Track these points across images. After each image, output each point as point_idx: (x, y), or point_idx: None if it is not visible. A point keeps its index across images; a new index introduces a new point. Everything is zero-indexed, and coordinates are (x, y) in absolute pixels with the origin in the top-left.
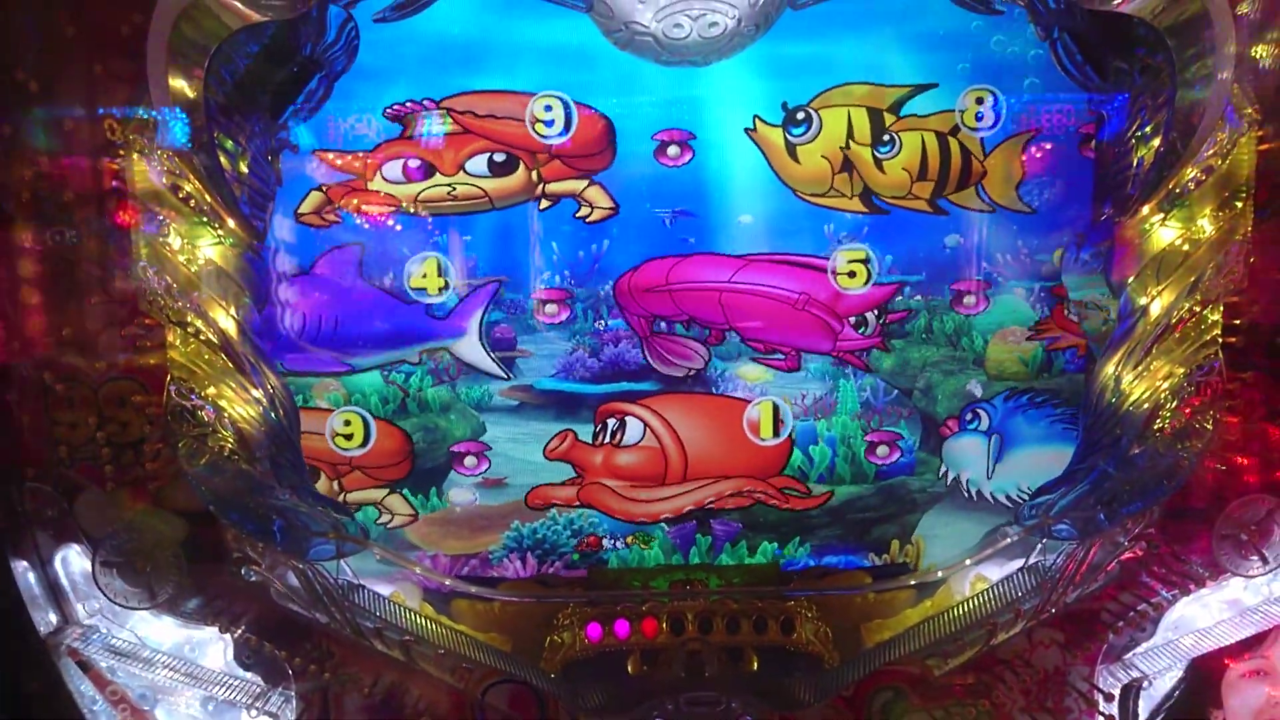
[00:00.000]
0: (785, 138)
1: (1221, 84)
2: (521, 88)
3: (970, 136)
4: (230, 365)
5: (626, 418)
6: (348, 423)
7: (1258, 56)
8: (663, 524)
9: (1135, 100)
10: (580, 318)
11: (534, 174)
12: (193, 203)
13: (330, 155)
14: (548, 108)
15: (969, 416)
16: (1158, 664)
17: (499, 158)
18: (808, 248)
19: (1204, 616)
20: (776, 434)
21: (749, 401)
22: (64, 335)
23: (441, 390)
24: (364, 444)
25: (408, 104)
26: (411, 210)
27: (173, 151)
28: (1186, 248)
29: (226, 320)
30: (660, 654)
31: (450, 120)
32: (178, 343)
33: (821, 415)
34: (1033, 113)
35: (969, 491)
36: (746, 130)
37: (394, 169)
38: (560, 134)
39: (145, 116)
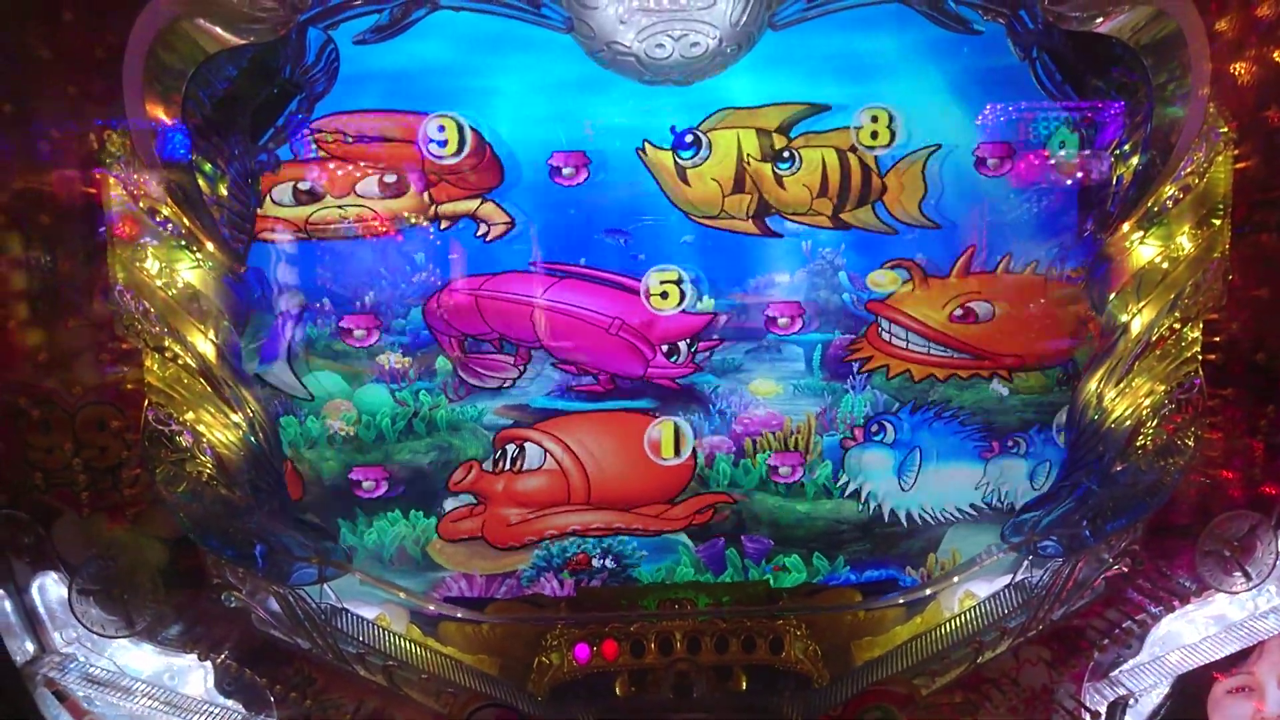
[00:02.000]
0: (675, 161)
1: (1198, 102)
2: (411, 108)
3: (867, 154)
4: (209, 390)
5: (525, 444)
6: (442, 128)
7: (1234, 75)
8: (688, 541)
9: (1114, 119)
10: None
11: (425, 195)
12: (171, 226)
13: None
14: (440, 128)
15: (875, 428)
16: (1144, 681)
17: (389, 179)
18: (786, 265)
19: (1190, 632)
20: (678, 454)
21: (651, 419)
22: (40, 359)
23: (448, 410)
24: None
25: (299, 129)
26: (306, 234)
27: (150, 175)
28: (1166, 265)
29: (205, 344)
30: (649, 674)
31: (337, 141)
32: (155, 367)
33: (833, 431)
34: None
35: (868, 505)
36: (636, 150)
37: (283, 192)
38: (454, 154)
39: (122, 140)
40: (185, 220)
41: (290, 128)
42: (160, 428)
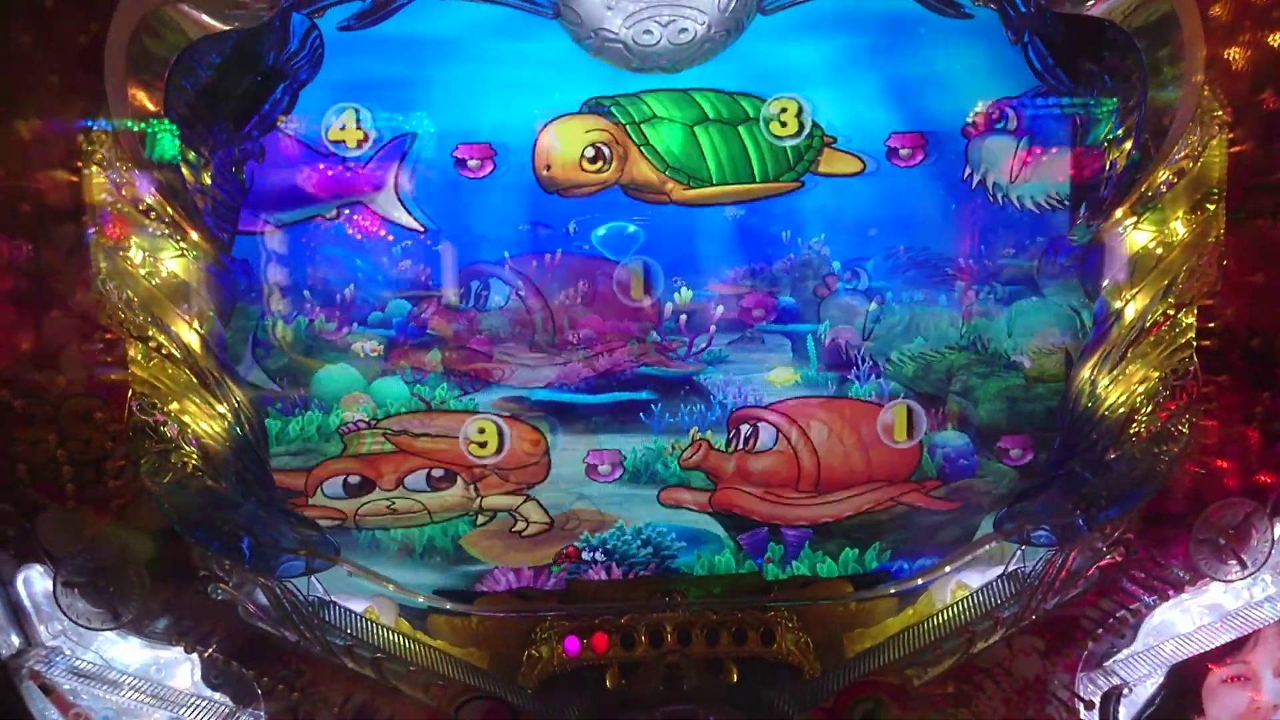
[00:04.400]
0: None
1: (1192, 86)
2: None
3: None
4: (194, 380)
5: (759, 424)
6: (482, 430)
7: (1229, 59)
8: (730, 532)
9: (1108, 103)
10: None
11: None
12: (154, 215)
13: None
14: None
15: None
16: (1138, 671)
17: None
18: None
19: (1184, 622)
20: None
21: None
22: (23, 351)
23: (461, 403)
24: (499, 451)
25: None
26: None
27: (133, 164)
28: (1160, 251)
29: (189, 334)
30: (639, 667)
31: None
32: (139, 357)
33: None
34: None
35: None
36: None
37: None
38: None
39: (104, 128)
40: (169, 209)
41: (274, 115)
42: (144, 418)
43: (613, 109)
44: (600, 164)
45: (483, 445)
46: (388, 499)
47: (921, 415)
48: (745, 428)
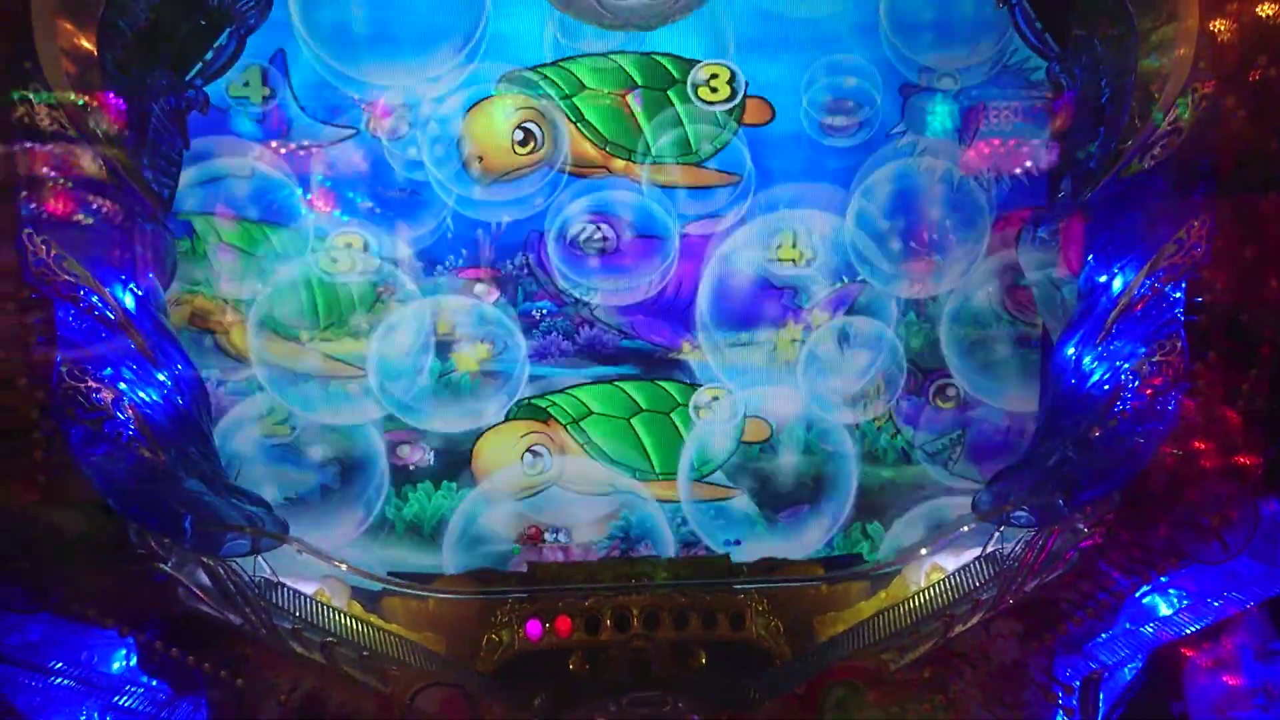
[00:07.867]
0: None
1: (1182, 57)
2: None
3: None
4: (131, 345)
5: None
6: None
7: (1221, 27)
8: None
9: (1096, 71)
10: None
11: None
12: (87, 166)
13: None
14: None
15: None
16: (1118, 654)
17: None
18: None
19: (1163, 605)
20: None
21: None
22: None
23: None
24: None
25: None
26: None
27: (65, 112)
28: (1147, 223)
29: (125, 294)
30: (604, 652)
31: None
32: (70, 319)
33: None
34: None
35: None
36: None
37: None
38: None
39: (33, 75)
40: (104, 159)
41: (219, 62)
42: (75, 385)
43: (540, 83)
44: (531, 146)
45: None
46: None
47: None
48: None
